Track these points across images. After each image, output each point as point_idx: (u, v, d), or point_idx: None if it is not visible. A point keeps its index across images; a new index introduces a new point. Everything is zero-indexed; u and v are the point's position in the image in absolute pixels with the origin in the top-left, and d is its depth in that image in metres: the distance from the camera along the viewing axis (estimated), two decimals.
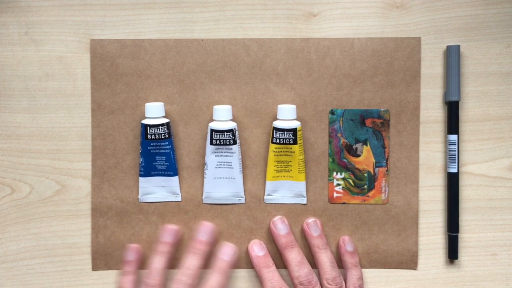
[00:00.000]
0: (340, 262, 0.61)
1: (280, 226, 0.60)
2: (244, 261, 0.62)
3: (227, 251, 0.59)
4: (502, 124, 0.61)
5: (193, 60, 0.60)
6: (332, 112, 0.60)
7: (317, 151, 0.61)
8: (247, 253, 0.61)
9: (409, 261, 0.62)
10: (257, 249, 0.60)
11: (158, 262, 0.57)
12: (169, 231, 0.59)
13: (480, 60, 0.61)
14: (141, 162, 0.60)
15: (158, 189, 0.61)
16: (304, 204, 0.61)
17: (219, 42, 0.60)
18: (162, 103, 0.59)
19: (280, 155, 0.59)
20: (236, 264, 0.61)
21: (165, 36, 0.61)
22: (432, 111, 0.61)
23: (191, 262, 0.57)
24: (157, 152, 0.59)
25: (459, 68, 0.59)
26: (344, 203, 0.61)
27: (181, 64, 0.60)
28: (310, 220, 0.60)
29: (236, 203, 0.61)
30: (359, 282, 0.59)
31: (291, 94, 0.60)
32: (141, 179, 0.60)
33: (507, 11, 0.60)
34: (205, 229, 0.59)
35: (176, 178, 0.60)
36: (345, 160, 0.61)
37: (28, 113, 0.61)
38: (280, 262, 0.61)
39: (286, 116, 0.58)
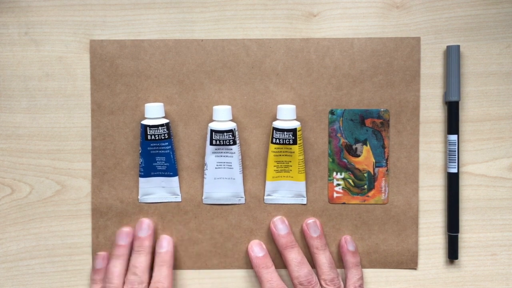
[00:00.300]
0: (341, 262, 0.61)
1: (280, 226, 0.60)
2: (244, 261, 0.62)
3: (163, 244, 0.60)
4: (502, 124, 0.61)
5: (192, 61, 0.60)
6: (331, 112, 0.60)
7: (317, 151, 0.61)
8: (247, 253, 0.61)
9: (409, 261, 0.62)
10: (257, 250, 0.60)
11: (115, 265, 0.58)
12: (124, 233, 0.60)
13: (480, 60, 0.61)
14: (141, 162, 0.60)
15: (158, 190, 0.61)
16: (304, 204, 0.61)
17: (219, 42, 0.60)
18: (161, 104, 0.59)
19: (280, 155, 0.59)
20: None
21: (165, 36, 0.61)
22: (432, 111, 0.61)
23: (137, 259, 0.58)
24: (157, 153, 0.59)
25: (459, 68, 0.59)
26: (344, 203, 0.61)
27: (181, 65, 0.60)
28: (310, 220, 0.60)
29: (236, 203, 0.61)
30: (360, 282, 0.59)
31: (291, 94, 0.60)
32: (141, 179, 0.60)
33: (507, 11, 0.60)
34: (143, 226, 0.60)
35: (176, 178, 0.60)
36: (345, 160, 0.61)
37: (28, 113, 0.61)
38: (280, 262, 0.61)
39: (286, 116, 0.58)
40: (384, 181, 0.61)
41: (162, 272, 0.58)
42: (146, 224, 0.60)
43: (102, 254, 0.60)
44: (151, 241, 0.59)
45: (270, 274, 0.58)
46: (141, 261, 0.58)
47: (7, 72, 0.61)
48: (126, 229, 0.60)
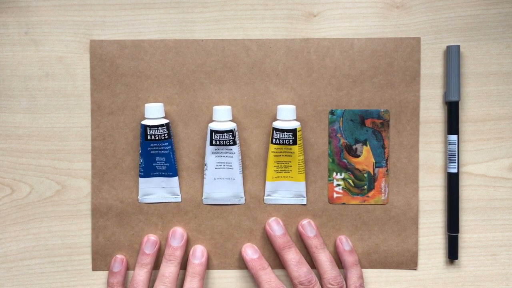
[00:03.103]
0: (339, 263, 0.61)
1: (275, 227, 0.60)
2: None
3: (197, 254, 0.59)
4: (502, 124, 0.61)
5: (192, 61, 0.60)
6: (331, 113, 0.60)
7: (317, 151, 0.61)
8: (241, 256, 0.61)
9: (409, 261, 0.62)
10: (251, 252, 0.60)
11: (140, 274, 0.58)
12: (151, 242, 0.60)
13: (480, 60, 0.61)
14: (141, 162, 0.60)
15: (158, 190, 0.61)
16: (304, 204, 0.61)
17: (219, 42, 0.60)
18: (161, 104, 0.59)
19: (280, 155, 0.59)
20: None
21: (165, 36, 0.61)
22: (432, 111, 0.61)
23: (167, 269, 0.58)
24: (157, 153, 0.59)
25: (459, 68, 0.59)
26: (344, 203, 0.61)
27: (181, 65, 0.60)
28: (305, 221, 0.60)
29: (236, 204, 0.61)
30: (360, 281, 0.59)
31: (291, 95, 0.60)
32: (141, 179, 0.60)
33: (507, 11, 0.60)
34: (176, 235, 0.60)
35: (176, 178, 0.60)
36: (345, 160, 0.61)
37: (28, 113, 0.61)
38: (273, 263, 0.61)
39: (286, 116, 0.58)
40: (384, 181, 0.61)
41: (194, 284, 0.57)
42: (179, 234, 0.60)
43: (119, 257, 0.60)
44: (183, 251, 0.59)
45: (268, 275, 0.58)
46: (171, 271, 0.58)
47: (7, 72, 0.61)
48: (153, 238, 0.60)
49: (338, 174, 0.61)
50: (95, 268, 0.62)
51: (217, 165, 0.59)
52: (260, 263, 0.59)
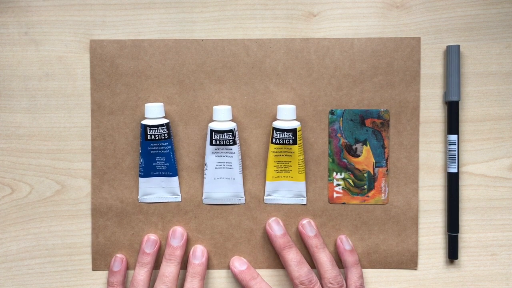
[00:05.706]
0: (339, 263, 0.61)
1: (276, 227, 0.60)
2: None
3: (198, 254, 0.59)
4: (502, 124, 0.61)
5: (192, 61, 0.60)
6: (331, 112, 0.60)
7: (317, 151, 0.61)
8: (231, 271, 0.61)
9: (409, 261, 0.62)
10: (239, 264, 0.60)
11: (140, 273, 0.58)
12: (151, 242, 0.60)
13: (480, 60, 0.61)
14: (141, 162, 0.60)
15: (158, 190, 0.61)
16: (304, 204, 0.61)
17: (219, 42, 0.60)
18: (161, 104, 0.59)
19: (280, 155, 0.59)
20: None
21: (165, 36, 0.61)
22: (432, 111, 0.61)
23: (167, 269, 0.58)
24: (157, 153, 0.59)
25: (459, 68, 0.59)
26: (344, 203, 0.61)
27: (181, 65, 0.60)
28: (305, 221, 0.60)
29: (236, 204, 0.61)
30: (360, 280, 0.59)
31: (291, 95, 0.60)
32: (141, 179, 0.60)
33: (507, 11, 0.60)
34: (176, 234, 0.60)
35: (176, 178, 0.60)
36: (345, 160, 0.61)
37: (28, 113, 0.61)
38: (274, 263, 0.61)
39: (286, 116, 0.58)
40: (384, 181, 0.61)
41: (194, 284, 0.58)
42: (179, 233, 0.60)
43: (119, 256, 0.60)
44: (183, 251, 0.59)
45: (259, 284, 0.58)
46: (171, 271, 0.58)
47: (7, 72, 0.61)
48: (153, 237, 0.60)
49: (338, 174, 0.61)
50: (95, 268, 0.62)
51: (217, 165, 0.59)
52: (250, 273, 0.59)
